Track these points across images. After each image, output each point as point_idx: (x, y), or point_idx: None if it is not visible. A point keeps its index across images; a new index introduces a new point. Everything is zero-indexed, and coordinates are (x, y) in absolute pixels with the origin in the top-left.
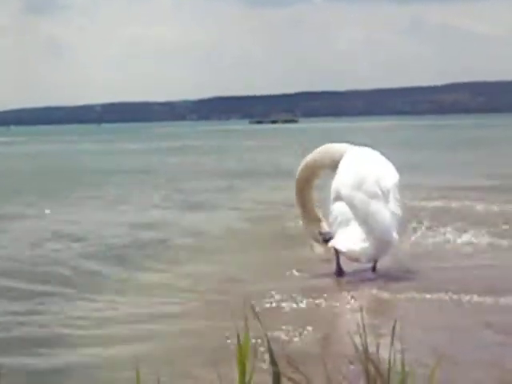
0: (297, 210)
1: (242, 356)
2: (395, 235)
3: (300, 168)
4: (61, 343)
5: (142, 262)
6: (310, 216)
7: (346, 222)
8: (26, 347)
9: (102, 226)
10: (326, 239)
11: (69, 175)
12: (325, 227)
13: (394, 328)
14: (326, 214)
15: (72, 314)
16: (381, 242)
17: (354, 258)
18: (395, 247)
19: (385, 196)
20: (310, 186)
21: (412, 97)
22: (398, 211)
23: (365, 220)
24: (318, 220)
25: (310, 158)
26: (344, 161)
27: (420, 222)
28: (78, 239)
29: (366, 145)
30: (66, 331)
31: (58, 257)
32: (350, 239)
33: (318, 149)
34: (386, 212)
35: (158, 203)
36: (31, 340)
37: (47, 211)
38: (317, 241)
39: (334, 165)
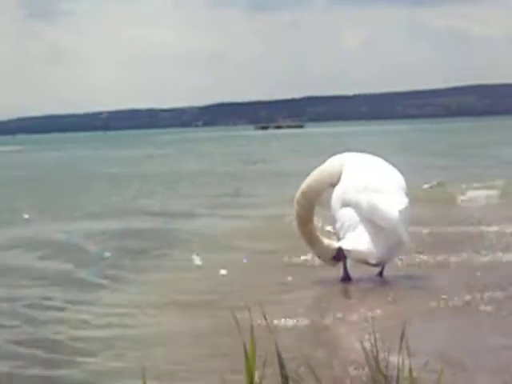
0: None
1: (250, 365)
2: (405, 235)
3: (297, 198)
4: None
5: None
6: (320, 246)
7: (353, 226)
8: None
9: (78, 233)
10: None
11: (62, 182)
12: (334, 245)
13: (402, 334)
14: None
15: None
16: (390, 243)
17: (362, 259)
18: (405, 247)
19: (392, 197)
20: (310, 212)
21: (418, 100)
22: (406, 212)
23: (373, 222)
24: (327, 244)
25: (306, 184)
26: (346, 169)
27: None
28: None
29: (369, 150)
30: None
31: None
32: (358, 241)
33: (312, 174)
34: (395, 213)
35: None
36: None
37: (26, 216)
38: (327, 263)
39: (334, 182)
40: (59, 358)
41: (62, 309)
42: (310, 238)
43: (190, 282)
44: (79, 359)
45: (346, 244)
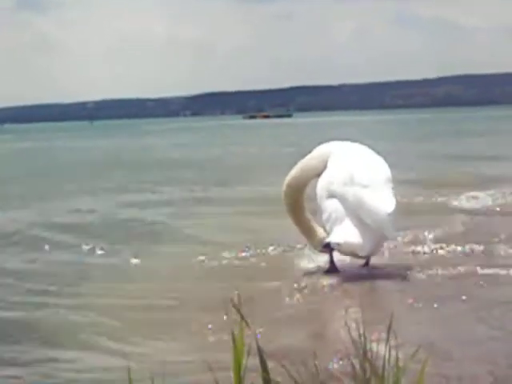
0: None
1: (238, 354)
2: (392, 233)
3: (284, 190)
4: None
5: None
6: (311, 232)
7: (340, 219)
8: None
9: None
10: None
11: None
12: (321, 234)
13: (390, 324)
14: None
15: None
16: (377, 235)
17: (351, 251)
18: (392, 239)
19: (378, 187)
20: (300, 202)
21: (405, 90)
22: (393, 203)
23: (360, 214)
24: (318, 233)
25: (291, 176)
26: (332, 158)
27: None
28: None
29: (357, 139)
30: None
31: None
32: (346, 233)
33: (299, 163)
34: (381, 204)
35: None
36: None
37: None
38: (320, 251)
39: (321, 171)
40: None
41: None
42: (305, 228)
43: None
44: None
45: (335, 237)
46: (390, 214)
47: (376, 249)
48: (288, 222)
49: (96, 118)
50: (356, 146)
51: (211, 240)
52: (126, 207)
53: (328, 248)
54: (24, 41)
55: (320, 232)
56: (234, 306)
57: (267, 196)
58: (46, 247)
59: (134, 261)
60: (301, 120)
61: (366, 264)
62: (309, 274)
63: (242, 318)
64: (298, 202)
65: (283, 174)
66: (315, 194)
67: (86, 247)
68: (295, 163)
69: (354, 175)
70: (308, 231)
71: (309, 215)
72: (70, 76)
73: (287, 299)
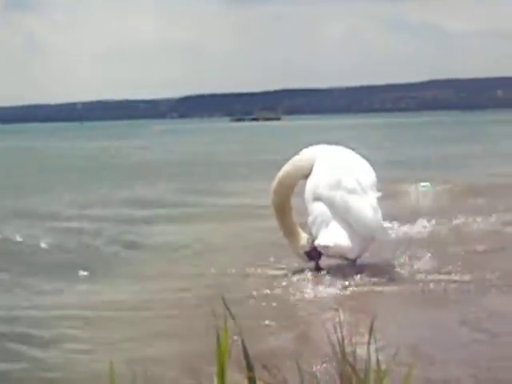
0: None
1: (221, 356)
2: (381, 235)
3: (274, 188)
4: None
5: None
6: (295, 236)
7: (326, 222)
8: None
9: None
10: (311, 254)
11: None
12: (303, 240)
13: (371, 326)
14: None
15: None
16: (364, 239)
17: (339, 254)
18: (381, 240)
19: (364, 192)
20: (287, 204)
21: (393, 93)
22: (379, 211)
23: (347, 218)
24: (302, 238)
25: (280, 176)
26: (319, 161)
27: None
28: None
29: (344, 143)
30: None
31: None
32: (335, 236)
33: (287, 164)
34: (368, 208)
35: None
36: None
37: None
38: (300, 256)
39: (306, 173)
40: None
41: None
42: (288, 230)
43: None
44: None
45: (323, 240)
46: (377, 218)
47: (363, 251)
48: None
49: (85, 118)
50: (341, 149)
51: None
52: None
53: (312, 256)
54: (13, 41)
55: (303, 237)
56: (223, 301)
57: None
58: None
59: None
60: (289, 123)
61: (353, 262)
62: (292, 274)
63: (230, 312)
64: (285, 204)
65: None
66: (304, 198)
67: None
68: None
69: (341, 180)
70: (291, 235)
71: (294, 219)
72: (59, 77)
73: (270, 301)
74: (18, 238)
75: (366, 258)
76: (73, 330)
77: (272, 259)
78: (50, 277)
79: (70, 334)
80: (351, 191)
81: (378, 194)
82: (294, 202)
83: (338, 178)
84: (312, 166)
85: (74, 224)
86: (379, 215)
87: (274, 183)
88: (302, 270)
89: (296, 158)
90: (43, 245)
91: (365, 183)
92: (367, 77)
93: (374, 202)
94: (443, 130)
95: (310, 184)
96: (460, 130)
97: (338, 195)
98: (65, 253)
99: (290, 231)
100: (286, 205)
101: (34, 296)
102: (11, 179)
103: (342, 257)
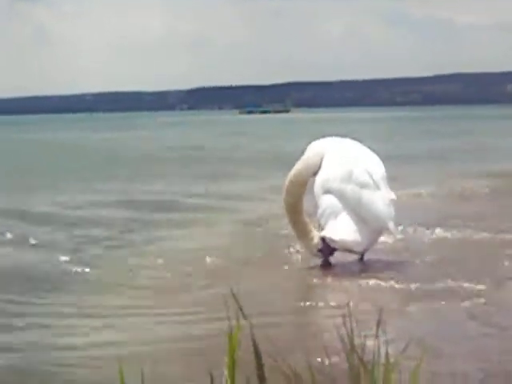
0: (290, 227)
1: (232, 349)
2: (391, 223)
3: (286, 186)
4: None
5: None
6: (307, 235)
7: (335, 214)
8: None
9: None
10: (324, 251)
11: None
12: (317, 238)
13: (379, 320)
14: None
15: None
16: (373, 231)
17: (347, 248)
18: (392, 235)
19: (375, 185)
20: (300, 203)
21: (402, 87)
22: (391, 198)
23: (358, 211)
24: (314, 236)
25: (292, 175)
26: (328, 155)
27: None
28: None
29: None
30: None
31: None
32: (342, 230)
33: (298, 163)
34: (380, 201)
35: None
36: None
37: None
38: (314, 255)
39: (317, 169)
40: None
41: None
42: (300, 229)
43: None
44: None
45: (330, 233)
46: (389, 210)
47: (372, 244)
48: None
49: (94, 110)
50: (350, 142)
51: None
52: None
53: (324, 251)
54: (22, 33)
55: (316, 235)
56: (234, 297)
57: None
58: None
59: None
60: (301, 115)
61: (361, 259)
62: (301, 268)
63: (241, 309)
64: (298, 203)
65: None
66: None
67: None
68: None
69: (352, 173)
70: (303, 233)
71: (306, 218)
72: (68, 68)
73: (279, 294)
74: None
75: (373, 254)
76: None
77: (279, 255)
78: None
79: None
80: (363, 185)
81: (393, 196)
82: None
83: (349, 170)
84: (321, 160)
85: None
86: (391, 208)
87: (286, 182)
88: (310, 265)
89: (305, 155)
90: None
91: (376, 176)
92: (375, 70)
93: (386, 197)
94: (446, 124)
95: (320, 178)
96: (465, 125)
97: (349, 188)
98: None
99: (302, 230)
100: (298, 204)
101: None
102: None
103: (348, 250)
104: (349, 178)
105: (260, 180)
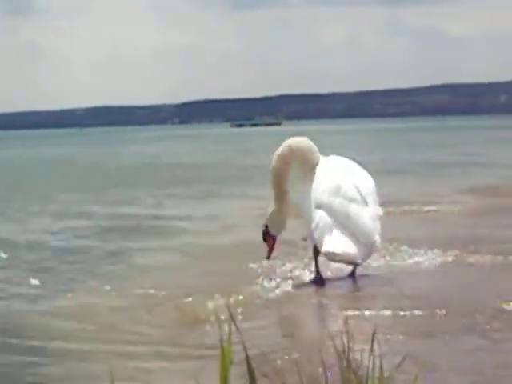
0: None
1: (225, 361)
2: (377, 238)
3: (279, 153)
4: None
5: None
6: (283, 205)
7: (329, 228)
8: None
9: None
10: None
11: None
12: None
13: (373, 334)
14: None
15: None
16: (363, 246)
17: (350, 259)
18: (380, 248)
19: (363, 200)
20: (288, 171)
21: (395, 99)
22: (378, 214)
23: (347, 224)
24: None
25: (292, 143)
26: (320, 169)
27: None
28: None
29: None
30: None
31: None
32: (341, 242)
33: (294, 139)
34: (366, 215)
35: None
36: None
37: None
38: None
39: (305, 162)
40: None
41: None
42: (280, 197)
43: None
44: None
45: (330, 247)
46: (375, 227)
47: (368, 256)
48: None
49: (85, 125)
50: (341, 159)
51: None
52: None
53: (267, 236)
54: (12, 47)
55: (287, 211)
56: (227, 307)
57: None
58: None
59: None
60: (292, 128)
61: (352, 274)
62: (293, 283)
63: (233, 320)
64: (286, 170)
65: None
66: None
67: None
68: None
69: (340, 187)
70: (281, 202)
71: (288, 187)
72: (59, 83)
73: (271, 308)
74: None
75: (366, 265)
76: None
77: (274, 262)
78: None
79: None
80: (351, 199)
81: (380, 212)
82: None
83: (337, 184)
84: (314, 160)
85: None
86: (378, 224)
87: (284, 148)
88: (303, 277)
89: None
90: None
91: (364, 191)
92: (367, 82)
93: (374, 212)
94: (433, 135)
95: (314, 194)
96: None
97: (337, 201)
98: None
99: (281, 198)
100: (286, 171)
101: None
102: None
103: (349, 262)
104: (337, 191)
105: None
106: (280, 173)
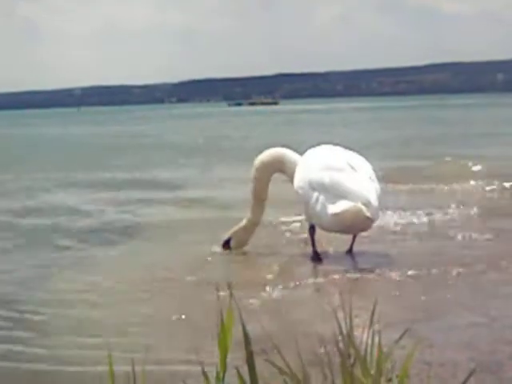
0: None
1: (225, 334)
2: (373, 197)
3: (254, 168)
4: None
5: None
6: (258, 209)
7: (327, 200)
8: None
9: None
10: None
11: None
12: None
13: (373, 311)
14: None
15: None
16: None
17: (358, 214)
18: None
19: (354, 170)
20: (265, 183)
21: (392, 78)
22: (374, 184)
23: (340, 192)
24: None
25: (260, 160)
26: (304, 157)
27: None
28: None
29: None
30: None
31: None
32: (344, 203)
33: (273, 150)
34: (358, 178)
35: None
36: None
37: None
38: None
39: (284, 169)
40: None
41: None
42: (258, 200)
43: None
44: None
45: (337, 208)
46: (368, 189)
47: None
48: None
49: (83, 104)
50: (330, 146)
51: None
52: None
53: (227, 243)
54: (8, 26)
55: (257, 216)
56: (228, 286)
57: None
58: None
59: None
60: (287, 107)
61: (350, 250)
62: (291, 261)
63: (231, 294)
64: (270, 174)
65: None
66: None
67: None
68: None
69: (331, 162)
70: (258, 205)
71: (267, 191)
72: (56, 62)
73: (270, 288)
74: None
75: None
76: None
77: (271, 247)
78: None
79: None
80: (340, 169)
81: (377, 186)
82: None
83: (328, 161)
84: (293, 163)
85: None
86: (372, 186)
87: (258, 162)
88: (300, 258)
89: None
90: None
91: (356, 164)
92: (364, 60)
93: (364, 178)
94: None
95: (299, 175)
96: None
97: (327, 174)
98: None
99: (258, 205)
100: (265, 182)
101: None
102: None
103: (358, 224)
104: (327, 166)
105: None
106: (259, 183)
